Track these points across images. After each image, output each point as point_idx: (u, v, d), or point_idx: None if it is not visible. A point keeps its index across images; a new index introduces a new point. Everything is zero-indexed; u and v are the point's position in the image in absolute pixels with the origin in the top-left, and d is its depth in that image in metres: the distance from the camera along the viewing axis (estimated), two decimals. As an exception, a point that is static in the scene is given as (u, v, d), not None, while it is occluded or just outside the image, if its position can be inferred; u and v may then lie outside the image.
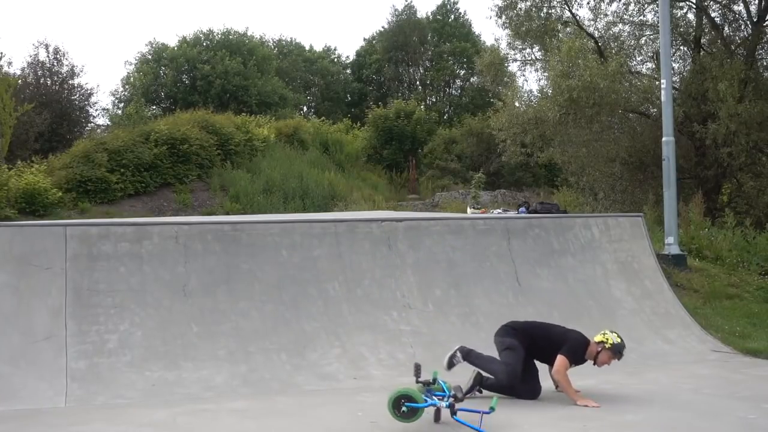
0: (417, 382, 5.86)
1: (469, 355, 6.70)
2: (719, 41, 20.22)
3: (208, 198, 22.87)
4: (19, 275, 7.56)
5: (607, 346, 6.60)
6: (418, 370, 5.94)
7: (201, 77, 38.38)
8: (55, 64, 29.58)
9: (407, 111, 32.42)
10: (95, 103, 38.65)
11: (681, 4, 20.70)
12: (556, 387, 6.72)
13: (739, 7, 20.51)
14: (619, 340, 6.65)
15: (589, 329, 8.92)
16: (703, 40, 20.74)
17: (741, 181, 19.92)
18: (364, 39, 53.52)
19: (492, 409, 5.52)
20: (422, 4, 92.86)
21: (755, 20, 19.89)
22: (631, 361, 8.34)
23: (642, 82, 20.05)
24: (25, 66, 29.51)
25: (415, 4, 63.10)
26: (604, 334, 6.72)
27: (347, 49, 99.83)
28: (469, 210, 16.13)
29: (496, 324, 8.69)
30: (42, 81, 29.11)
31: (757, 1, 20.00)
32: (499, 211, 14.75)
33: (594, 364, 6.68)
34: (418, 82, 47.68)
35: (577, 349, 6.61)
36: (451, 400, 5.61)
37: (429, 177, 30.08)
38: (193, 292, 8.01)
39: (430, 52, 46.78)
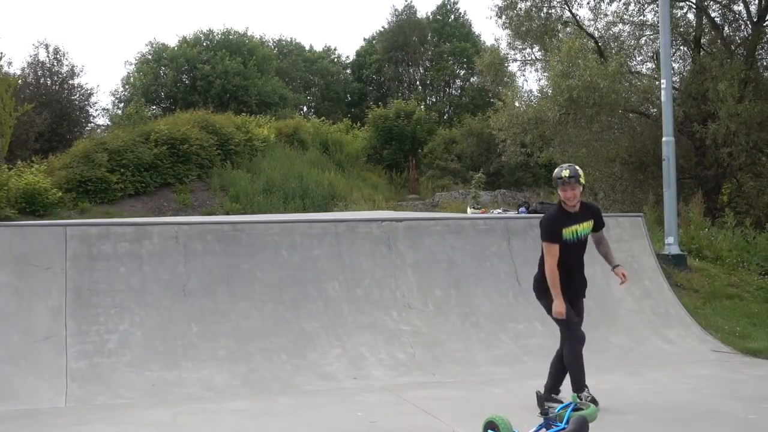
0: (540, 414, 5.26)
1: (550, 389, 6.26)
2: (719, 41, 20.23)
3: (208, 198, 22.87)
4: (19, 275, 7.55)
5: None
6: (540, 401, 5.33)
7: (201, 77, 38.39)
8: (55, 64, 29.62)
9: (407, 111, 32.43)
10: (95, 103, 38.79)
11: (681, 4, 20.72)
12: None
13: (739, 7, 20.55)
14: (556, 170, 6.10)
15: (589, 330, 8.92)
16: (703, 40, 20.76)
17: (741, 181, 19.93)
18: (364, 39, 53.60)
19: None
20: (422, 4, 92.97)
21: (755, 20, 19.90)
22: (631, 361, 8.36)
23: (642, 82, 20.07)
24: (25, 66, 29.60)
25: (415, 4, 63.21)
26: None
27: (347, 49, 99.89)
28: (469, 210, 16.13)
29: (496, 324, 8.73)
30: (42, 81, 29.13)
31: (757, 1, 20.03)
32: (499, 211, 14.75)
33: (570, 207, 6.06)
34: (418, 82, 47.68)
35: (547, 223, 6.05)
36: None
37: (429, 177, 30.08)
38: (193, 292, 8.01)
39: (430, 52, 46.79)
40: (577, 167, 6.06)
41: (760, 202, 18.67)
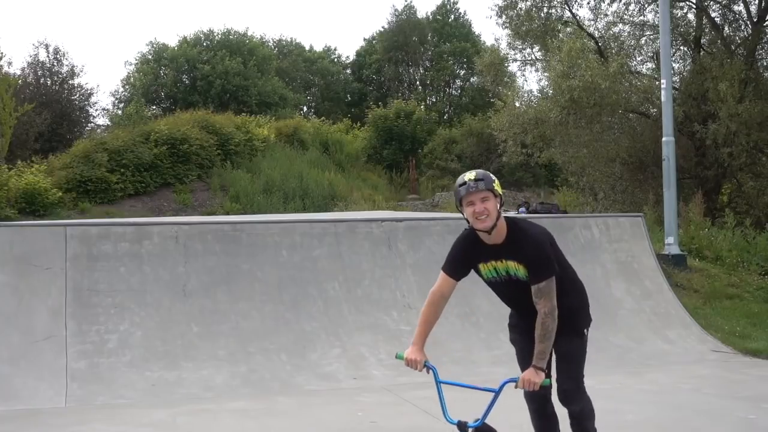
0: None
1: None
2: (719, 41, 20.23)
3: (208, 198, 22.86)
4: (19, 275, 7.55)
5: None
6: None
7: (201, 77, 38.39)
8: (55, 64, 29.62)
9: (407, 111, 32.43)
10: (95, 103, 38.63)
11: (681, 4, 20.71)
12: None
13: (739, 7, 20.55)
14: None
15: (589, 330, 8.92)
16: (703, 40, 20.75)
17: (741, 181, 19.94)
18: (364, 39, 53.57)
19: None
20: (422, 4, 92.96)
21: (755, 20, 19.90)
22: (631, 361, 8.36)
23: (642, 82, 20.05)
24: (25, 66, 29.60)
25: (415, 4, 63.17)
26: None
27: (347, 49, 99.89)
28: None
29: (496, 324, 8.70)
30: (42, 81, 29.13)
31: (757, 1, 20.03)
32: (499, 211, 14.74)
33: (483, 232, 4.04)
34: (418, 82, 47.66)
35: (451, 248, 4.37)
36: None
37: (429, 177, 30.08)
38: (193, 292, 8.01)
39: (430, 52, 46.78)
40: (490, 173, 4.05)
41: (760, 202, 18.68)
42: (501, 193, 4.01)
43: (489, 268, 4.20)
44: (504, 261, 4.11)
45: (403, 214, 14.12)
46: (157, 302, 7.81)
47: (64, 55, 30.02)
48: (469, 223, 4.08)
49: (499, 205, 3.98)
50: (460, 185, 3.97)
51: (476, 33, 48.38)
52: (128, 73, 43.08)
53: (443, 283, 4.29)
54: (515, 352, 4.55)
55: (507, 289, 4.25)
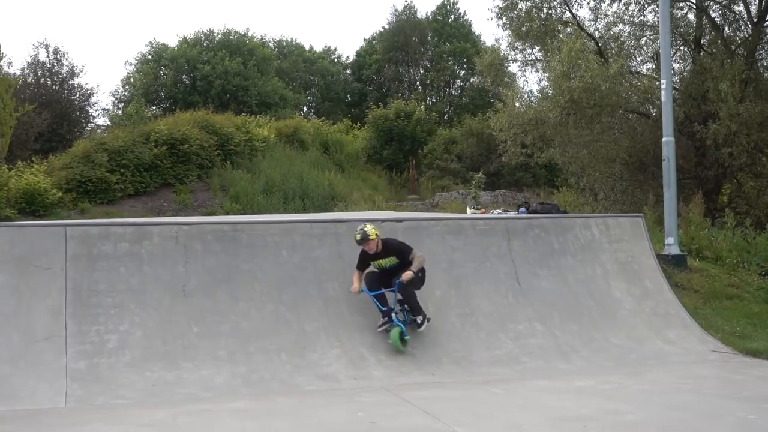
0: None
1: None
2: (719, 41, 20.22)
3: (208, 198, 22.86)
4: (19, 275, 7.55)
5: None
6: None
7: (201, 77, 38.41)
8: (55, 64, 29.62)
9: (407, 111, 32.43)
10: (95, 103, 38.57)
11: (681, 4, 20.71)
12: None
13: (740, 8, 20.54)
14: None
15: (589, 329, 8.94)
16: (703, 41, 20.75)
17: (741, 182, 19.95)
18: (364, 39, 53.55)
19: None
20: (422, 4, 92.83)
21: (755, 20, 19.90)
22: (631, 361, 8.36)
23: (642, 83, 20.05)
24: (25, 66, 29.61)
25: (415, 5, 63.02)
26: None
27: (347, 49, 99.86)
28: (468, 210, 16.12)
29: (496, 324, 8.74)
30: (42, 81, 29.13)
31: (757, 2, 20.03)
32: (499, 211, 14.75)
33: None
34: (418, 83, 47.68)
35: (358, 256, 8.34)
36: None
37: (429, 177, 30.09)
38: (193, 292, 8.01)
39: (430, 53, 46.81)
40: (366, 228, 8.19)
41: (760, 203, 18.69)
42: (377, 233, 8.26)
43: (375, 263, 8.38)
44: (380, 259, 8.35)
45: (403, 214, 14.09)
46: (157, 302, 7.81)
47: (64, 55, 30.09)
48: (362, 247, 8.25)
49: (378, 239, 8.26)
50: (356, 241, 8.24)
51: (476, 33, 48.52)
52: (128, 73, 43.16)
53: (358, 275, 8.34)
54: (371, 279, 8.32)
55: (381, 271, 8.39)
